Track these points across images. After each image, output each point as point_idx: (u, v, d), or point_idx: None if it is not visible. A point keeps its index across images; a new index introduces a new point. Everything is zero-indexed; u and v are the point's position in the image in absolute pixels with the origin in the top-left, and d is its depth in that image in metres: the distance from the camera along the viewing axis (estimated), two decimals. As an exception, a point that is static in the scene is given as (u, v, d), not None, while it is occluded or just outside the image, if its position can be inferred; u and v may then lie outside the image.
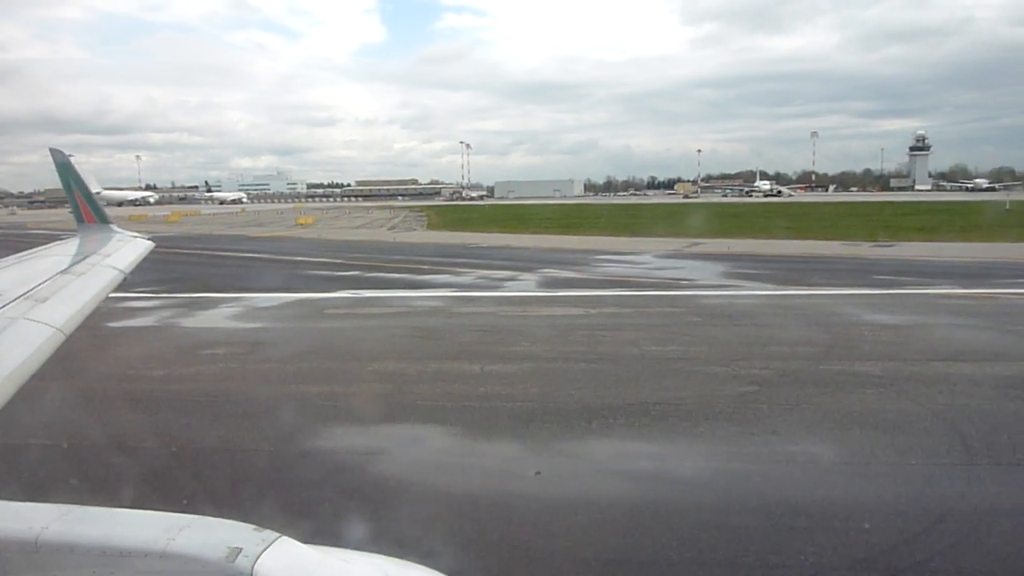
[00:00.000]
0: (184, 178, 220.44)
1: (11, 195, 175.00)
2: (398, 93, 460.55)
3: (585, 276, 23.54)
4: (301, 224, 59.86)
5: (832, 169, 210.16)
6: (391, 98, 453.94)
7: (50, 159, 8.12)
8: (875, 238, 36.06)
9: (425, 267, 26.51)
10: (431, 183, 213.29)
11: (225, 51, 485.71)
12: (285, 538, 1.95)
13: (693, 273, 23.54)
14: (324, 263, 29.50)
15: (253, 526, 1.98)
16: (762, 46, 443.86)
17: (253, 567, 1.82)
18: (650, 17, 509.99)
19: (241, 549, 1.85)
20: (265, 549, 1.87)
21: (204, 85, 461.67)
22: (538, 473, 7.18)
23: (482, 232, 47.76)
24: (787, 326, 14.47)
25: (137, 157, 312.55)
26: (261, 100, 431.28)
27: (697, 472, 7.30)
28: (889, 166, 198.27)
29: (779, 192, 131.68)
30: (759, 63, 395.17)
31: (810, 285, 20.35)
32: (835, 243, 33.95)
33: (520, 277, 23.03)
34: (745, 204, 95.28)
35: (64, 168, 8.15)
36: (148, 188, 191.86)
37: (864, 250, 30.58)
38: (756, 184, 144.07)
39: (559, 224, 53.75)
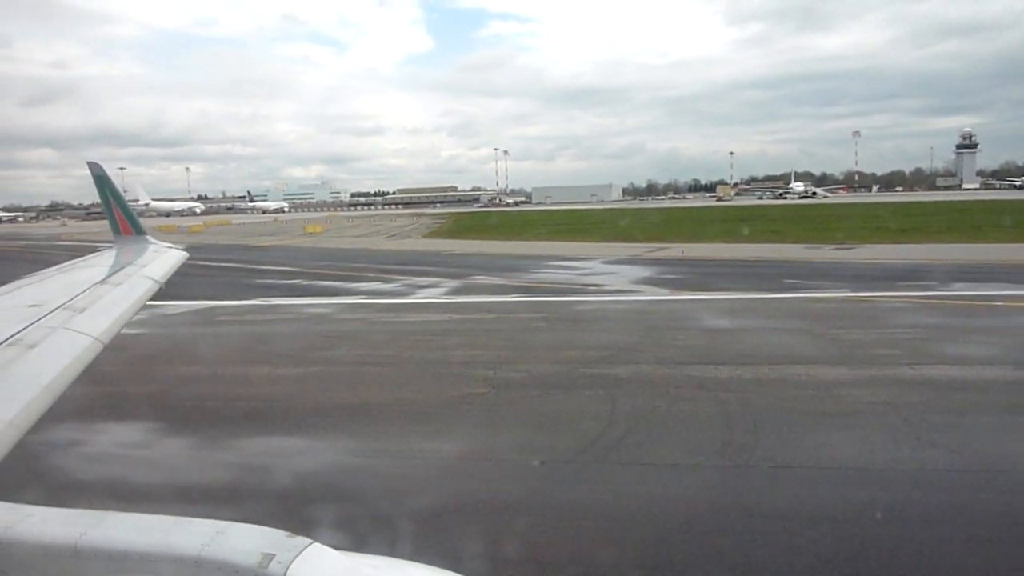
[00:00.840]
0: (237, 188, 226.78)
1: (71, 207, 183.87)
2: (443, 101, 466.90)
3: (505, 282, 24.26)
4: (308, 233, 61.87)
5: (882, 169, 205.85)
6: (437, 106, 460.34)
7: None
8: (844, 240, 35.79)
9: (369, 275, 27.59)
10: (474, 189, 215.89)
11: (275, 63, 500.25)
12: (317, 544, 1.98)
13: (614, 279, 24.00)
14: (282, 271, 30.91)
15: (286, 532, 2.01)
16: (807, 45, 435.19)
17: (286, 573, 1.85)
18: (694, 19, 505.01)
19: (274, 555, 1.88)
20: (297, 555, 1.90)
21: (255, 97, 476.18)
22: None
23: (477, 239, 48.71)
24: (614, 330, 15.03)
25: (187, 169, 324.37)
26: (310, 111, 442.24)
27: (307, 464, 7.99)
28: (940, 164, 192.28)
29: (813, 194, 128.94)
30: (805, 63, 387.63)
31: (705, 290, 20.67)
32: (798, 246, 33.83)
33: (441, 284, 23.88)
34: (769, 207, 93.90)
35: (101, 181, 8.29)
36: (199, 198, 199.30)
37: (817, 253, 30.48)
38: (790, 186, 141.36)
39: (562, 230, 54.25)
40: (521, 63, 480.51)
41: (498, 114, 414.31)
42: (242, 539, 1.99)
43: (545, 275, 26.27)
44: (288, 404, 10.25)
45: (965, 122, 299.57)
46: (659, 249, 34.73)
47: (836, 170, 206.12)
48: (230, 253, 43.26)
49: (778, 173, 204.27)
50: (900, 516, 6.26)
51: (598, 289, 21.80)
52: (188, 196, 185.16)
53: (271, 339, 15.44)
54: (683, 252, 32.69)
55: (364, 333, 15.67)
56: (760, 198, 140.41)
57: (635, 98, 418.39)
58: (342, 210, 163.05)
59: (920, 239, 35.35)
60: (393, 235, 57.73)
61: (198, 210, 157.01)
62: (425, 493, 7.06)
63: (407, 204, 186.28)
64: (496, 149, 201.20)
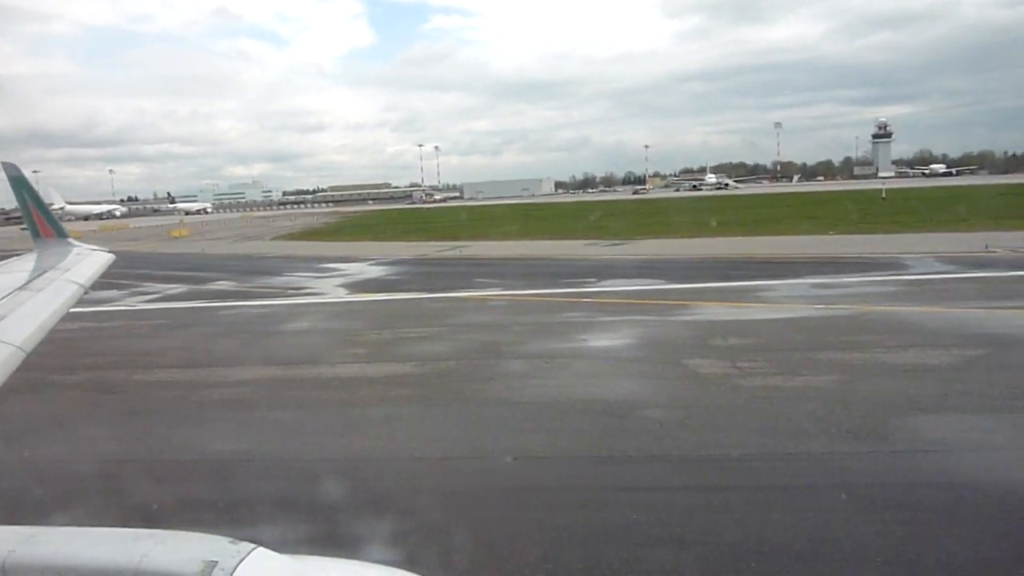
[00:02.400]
0: (177, 188, 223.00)
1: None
2: (387, 96, 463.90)
3: (228, 288, 25.02)
4: (174, 237, 61.81)
5: (815, 158, 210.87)
6: (381, 101, 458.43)
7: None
8: (632, 236, 37.23)
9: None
10: (411, 185, 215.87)
11: (214, 60, 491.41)
12: (261, 549, 1.92)
13: (328, 283, 24.76)
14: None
15: (228, 538, 1.95)
16: (748, 38, 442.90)
17: None
18: (633, 12, 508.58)
19: (216, 562, 1.82)
20: (241, 561, 1.84)
21: (194, 95, 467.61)
22: None
23: (321, 241, 49.01)
24: (176, 335, 15.94)
25: (110, 171, 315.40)
26: (251, 108, 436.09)
27: None
28: (863, 153, 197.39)
29: (726, 185, 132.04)
30: (746, 55, 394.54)
31: (388, 291, 21.59)
32: (579, 243, 35.03)
33: (147, 291, 24.53)
34: (656, 200, 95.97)
35: (18, 182, 7.99)
36: (129, 200, 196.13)
37: (584, 250, 31.53)
38: (704, 179, 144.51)
39: (410, 230, 54.73)
40: (465, 57, 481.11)
41: (444, 109, 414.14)
42: (182, 548, 1.93)
43: (287, 279, 26.98)
44: None
45: (900, 111, 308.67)
46: (450, 248, 35.64)
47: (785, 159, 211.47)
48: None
49: (714, 164, 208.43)
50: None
51: (296, 292, 22.64)
52: (113, 198, 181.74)
53: None
54: (460, 251, 33.80)
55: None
56: (677, 190, 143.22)
57: (581, 91, 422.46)
58: (266, 209, 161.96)
59: (724, 233, 36.40)
60: (252, 238, 57.88)
61: (118, 213, 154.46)
62: None
63: (338, 202, 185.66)
64: (421, 145, 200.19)
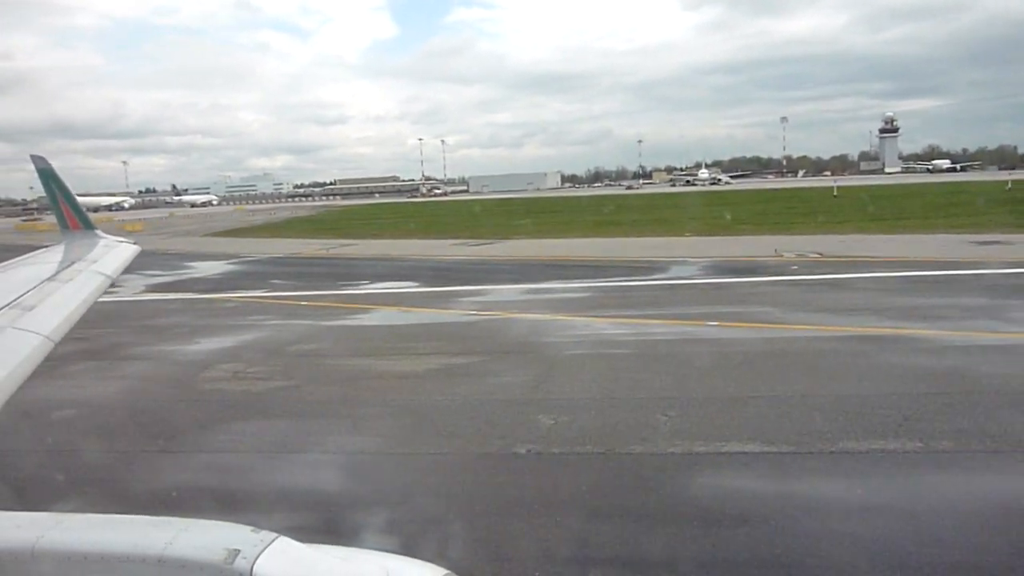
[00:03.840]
0: (201, 180, 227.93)
1: (11, 203, 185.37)
2: (408, 88, 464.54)
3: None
4: (126, 231, 63.84)
5: (836, 152, 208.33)
6: (403, 94, 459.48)
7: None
8: (509, 236, 37.95)
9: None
10: (426, 179, 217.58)
11: (238, 52, 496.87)
12: (283, 538, 1.95)
13: (133, 283, 26.07)
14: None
15: (250, 527, 1.99)
16: (770, 30, 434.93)
17: (252, 568, 1.82)
18: (651, 4, 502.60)
19: (239, 551, 1.86)
20: (263, 550, 1.88)
21: (218, 87, 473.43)
22: None
23: (248, 238, 49.68)
24: None
25: (124, 163, 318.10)
26: (274, 100, 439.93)
27: None
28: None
29: (717, 181, 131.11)
30: (768, 47, 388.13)
31: (168, 291, 22.82)
32: (449, 243, 35.88)
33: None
34: (631, 196, 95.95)
35: (46, 175, 8.07)
36: (147, 192, 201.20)
37: (443, 250, 32.44)
38: (698, 174, 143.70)
39: (362, 227, 54.67)
40: (486, 50, 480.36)
41: (465, 101, 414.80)
42: (206, 536, 1.97)
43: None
44: None
45: (926, 104, 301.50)
46: (332, 246, 36.69)
47: (799, 152, 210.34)
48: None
49: (730, 158, 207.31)
50: None
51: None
52: (129, 190, 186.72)
53: None
54: (330, 250, 34.89)
55: None
56: (673, 185, 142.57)
57: (601, 84, 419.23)
58: (274, 202, 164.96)
59: (601, 234, 36.86)
60: (189, 234, 58.99)
61: (127, 205, 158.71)
62: None
63: (345, 195, 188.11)
64: (421, 139, 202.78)
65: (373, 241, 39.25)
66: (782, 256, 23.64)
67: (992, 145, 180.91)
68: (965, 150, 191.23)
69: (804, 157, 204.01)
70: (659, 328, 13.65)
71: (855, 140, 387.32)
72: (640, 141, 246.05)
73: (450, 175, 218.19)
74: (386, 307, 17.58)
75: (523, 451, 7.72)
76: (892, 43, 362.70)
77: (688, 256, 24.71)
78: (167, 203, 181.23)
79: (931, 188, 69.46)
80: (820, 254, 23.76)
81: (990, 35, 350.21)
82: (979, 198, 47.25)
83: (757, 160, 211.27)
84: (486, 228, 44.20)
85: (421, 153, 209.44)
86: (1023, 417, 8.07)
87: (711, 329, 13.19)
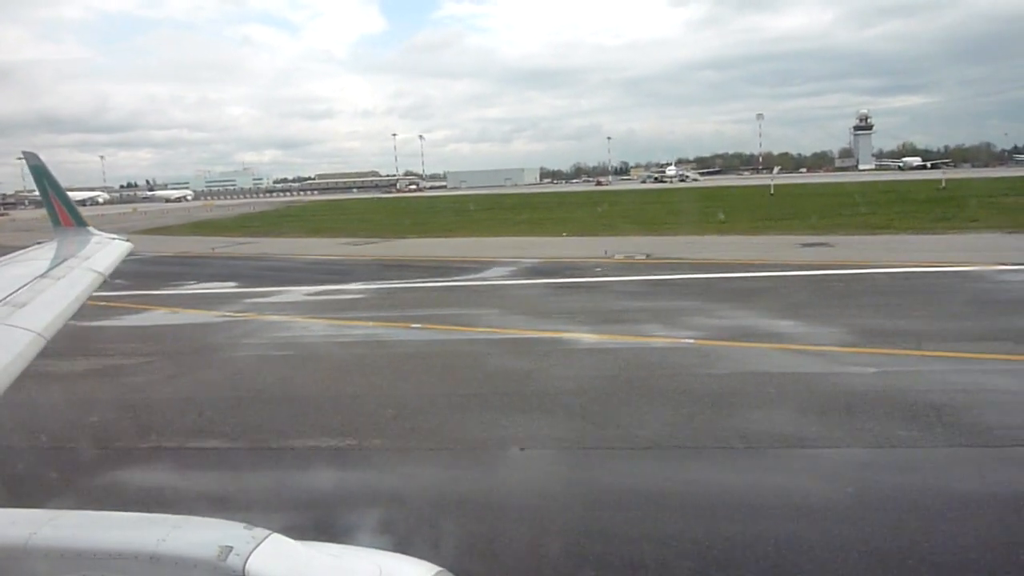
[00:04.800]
0: (188, 175, 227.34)
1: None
2: (397, 83, 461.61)
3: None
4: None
5: (825, 148, 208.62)
6: (392, 88, 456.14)
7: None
8: (404, 235, 38.44)
9: None
10: (407, 174, 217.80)
11: (224, 46, 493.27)
12: (276, 535, 1.97)
13: None
14: None
15: (243, 524, 2.00)
16: (758, 26, 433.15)
17: (245, 565, 1.83)
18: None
19: (232, 548, 1.87)
20: (256, 547, 1.89)
21: (205, 81, 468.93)
22: None
23: (190, 236, 50.23)
24: None
25: (101, 157, 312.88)
26: (262, 94, 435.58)
27: None
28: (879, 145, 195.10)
29: (686, 177, 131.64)
30: (757, 43, 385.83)
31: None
32: (339, 242, 36.30)
33: None
34: (585, 193, 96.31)
35: (38, 171, 8.01)
36: (127, 187, 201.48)
37: (327, 249, 32.81)
38: (665, 171, 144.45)
39: (283, 225, 55.36)
40: (476, 44, 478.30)
41: (455, 96, 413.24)
42: (199, 533, 1.98)
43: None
44: None
45: (915, 101, 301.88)
46: (224, 245, 37.20)
47: (790, 148, 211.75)
48: None
49: (709, 155, 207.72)
50: None
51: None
52: (107, 185, 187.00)
53: None
54: (216, 249, 35.35)
55: None
56: (644, 181, 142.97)
57: (592, 79, 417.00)
58: (252, 197, 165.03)
59: (487, 233, 36.87)
60: (125, 230, 60.06)
61: (101, 200, 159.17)
62: None
63: (324, 190, 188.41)
64: (395, 135, 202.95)
65: (271, 240, 39.66)
66: (608, 258, 24.08)
67: (972, 143, 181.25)
68: (947, 147, 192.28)
69: (785, 154, 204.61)
70: (359, 330, 14.20)
71: (842, 137, 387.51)
72: (609, 138, 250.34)
73: (436, 170, 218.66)
74: (164, 308, 18.03)
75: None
76: (880, 40, 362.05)
77: (523, 257, 25.17)
78: (145, 198, 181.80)
79: (872, 187, 69.80)
80: (647, 256, 24.24)
81: (977, 32, 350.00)
82: (898, 197, 48.27)
83: (739, 156, 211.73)
84: (398, 226, 44.60)
85: (395, 148, 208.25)
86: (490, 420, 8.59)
87: (405, 331, 13.73)
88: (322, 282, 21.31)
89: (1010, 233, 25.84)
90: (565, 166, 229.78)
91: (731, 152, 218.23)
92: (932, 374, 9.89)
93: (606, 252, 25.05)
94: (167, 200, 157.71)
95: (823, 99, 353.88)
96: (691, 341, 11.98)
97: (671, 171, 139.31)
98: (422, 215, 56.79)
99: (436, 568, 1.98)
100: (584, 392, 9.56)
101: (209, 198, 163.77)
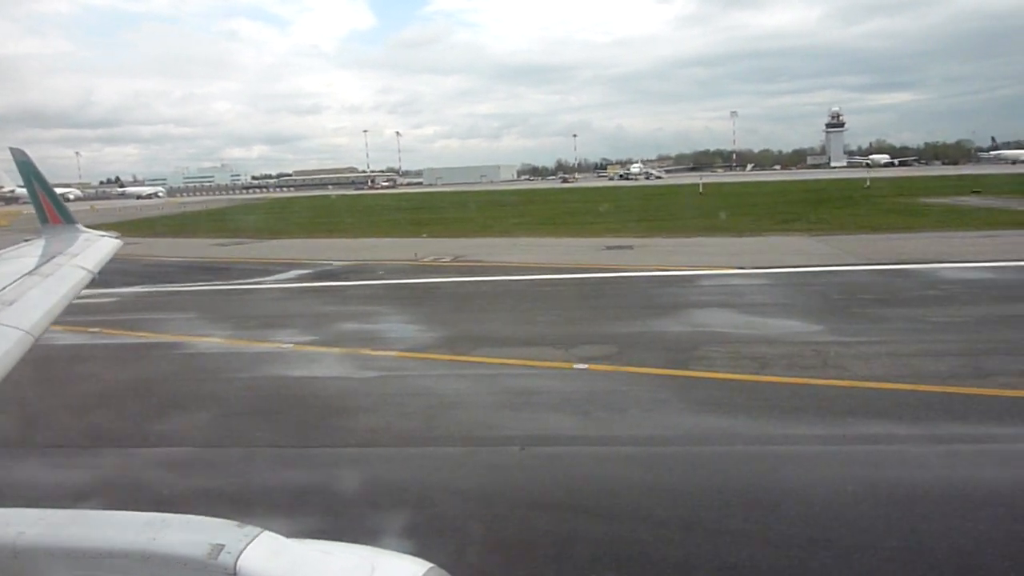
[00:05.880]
0: (174, 170, 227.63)
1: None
2: (386, 78, 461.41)
3: None
4: (-4, 224, 64.80)
5: (797, 146, 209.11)
6: (381, 84, 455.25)
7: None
8: (287, 235, 38.82)
9: None
10: (387, 170, 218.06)
11: (213, 40, 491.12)
12: (268, 533, 1.95)
13: None
14: None
15: (235, 522, 1.98)
16: (746, 23, 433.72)
17: (236, 563, 1.82)
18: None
19: (223, 546, 1.85)
20: (248, 544, 1.87)
21: (192, 76, 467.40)
22: None
23: None
24: None
25: (77, 153, 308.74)
26: (250, 89, 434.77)
27: None
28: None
29: (649, 175, 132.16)
30: (745, 40, 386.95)
31: None
32: (209, 242, 36.70)
33: None
34: (542, 191, 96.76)
35: (25, 167, 7.91)
36: (112, 182, 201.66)
37: (195, 250, 33.15)
38: (629, 169, 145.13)
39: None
40: (466, 40, 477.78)
41: (444, 91, 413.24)
42: (190, 531, 1.96)
43: None
44: None
45: (902, 98, 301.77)
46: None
47: (774, 146, 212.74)
48: None
49: (698, 151, 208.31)
50: None
51: None
52: (79, 181, 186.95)
53: None
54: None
55: None
56: (612, 179, 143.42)
57: (581, 75, 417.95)
58: (229, 193, 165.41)
59: (384, 235, 36.74)
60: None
61: (71, 196, 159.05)
62: None
63: (299, 186, 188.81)
64: (367, 131, 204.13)
65: (154, 240, 39.90)
66: (413, 260, 24.51)
67: (959, 139, 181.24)
68: (926, 144, 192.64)
69: (767, 151, 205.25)
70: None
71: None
72: (575, 135, 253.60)
73: (427, 165, 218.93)
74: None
75: None
76: (866, 37, 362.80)
77: (336, 259, 25.63)
78: (118, 195, 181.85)
79: (806, 185, 70.32)
80: (455, 258, 24.68)
81: (963, 30, 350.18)
82: (810, 198, 49.25)
83: (720, 153, 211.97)
84: (294, 227, 44.91)
85: (367, 145, 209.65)
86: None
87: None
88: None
89: (815, 236, 26.32)
90: (553, 162, 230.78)
91: (712, 149, 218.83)
92: (410, 378, 10.73)
93: (416, 255, 25.47)
94: (138, 197, 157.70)
95: (812, 96, 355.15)
96: (290, 346, 12.53)
97: (635, 169, 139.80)
98: (342, 215, 57.15)
99: (428, 565, 1.95)
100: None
101: (184, 195, 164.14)
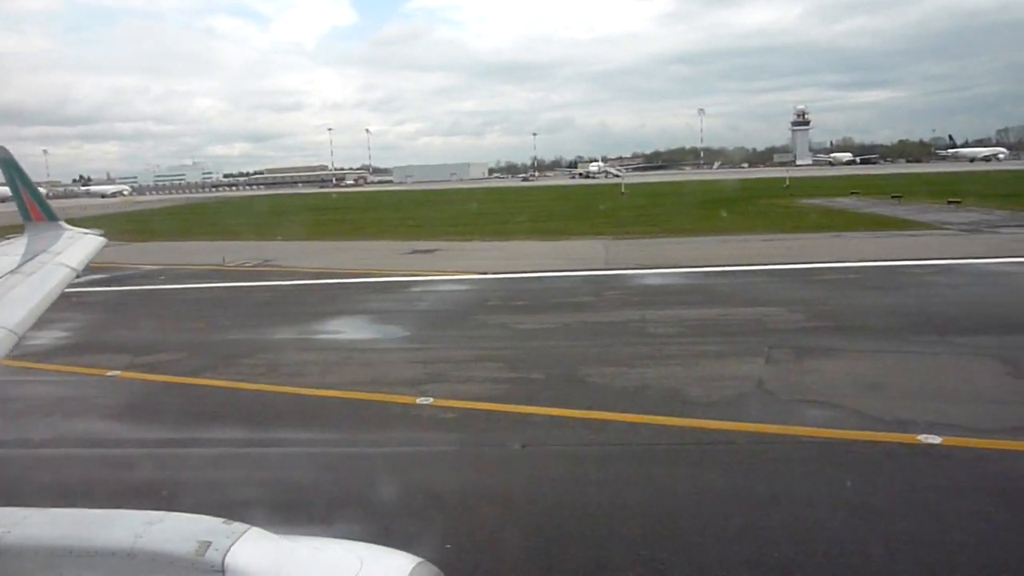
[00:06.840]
0: (144, 168, 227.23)
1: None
2: (367, 75, 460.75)
3: None
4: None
5: (779, 143, 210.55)
6: (360, 80, 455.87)
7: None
8: (172, 238, 38.85)
9: None
10: (361, 167, 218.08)
11: (193, 37, 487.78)
12: (255, 529, 1.95)
13: None
14: None
15: (222, 519, 1.97)
16: (730, 21, 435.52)
17: (224, 559, 1.81)
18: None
19: (211, 542, 1.84)
20: (235, 541, 1.86)
21: (173, 73, 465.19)
22: None
23: None
24: None
25: (44, 152, 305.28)
26: (231, 87, 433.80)
27: None
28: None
29: (607, 174, 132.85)
30: (728, 38, 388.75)
31: None
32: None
33: None
34: (490, 189, 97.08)
35: (7, 165, 7.74)
36: (80, 180, 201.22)
37: None
38: (589, 168, 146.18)
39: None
40: (449, 37, 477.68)
41: (426, 89, 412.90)
42: (177, 528, 1.95)
43: None
44: None
45: (882, 96, 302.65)
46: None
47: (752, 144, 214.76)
48: None
49: (663, 150, 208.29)
50: None
51: None
52: (48, 179, 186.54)
53: None
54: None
55: None
56: (573, 177, 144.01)
57: (564, 72, 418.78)
58: (199, 192, 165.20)
59: (254, 238, 36.43)
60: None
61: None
62: None
63: (270, 184, 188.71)
64: (331, 129, 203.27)
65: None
66: (219, 265, 24.59)
67: (937, 136, 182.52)
68: (899, 141, 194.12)
69: (741, 148, 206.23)
70: None
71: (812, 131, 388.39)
72: (535, 134, 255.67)
73: (410, 163, 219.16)
74: None
75: None
76: (847, 35, 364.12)
77: (155, 263, 25.67)
78: (83, 193, 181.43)
79: (735, 184, 70.49)
80: (264, 262, 24.83)
81: (941, 29, 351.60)
82: (725, 197, 50.30)
83: (695, 152, 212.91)
84: (197, 229, 44.76)
85: (331, 143, 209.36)
86: None
87: None
88: None
89: (610, 239, 26.90)
90: (528, 159, 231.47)
91: (688, 147, 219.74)
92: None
93: (224, 259, 25.54)
94: (102, 195, 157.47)
95: (793, 94, 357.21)
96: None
97: (594, 168, 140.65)
98: (240, 216, 56.97)
99: (417, 560, 1.97)
100: None
101: (152, 193, 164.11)
